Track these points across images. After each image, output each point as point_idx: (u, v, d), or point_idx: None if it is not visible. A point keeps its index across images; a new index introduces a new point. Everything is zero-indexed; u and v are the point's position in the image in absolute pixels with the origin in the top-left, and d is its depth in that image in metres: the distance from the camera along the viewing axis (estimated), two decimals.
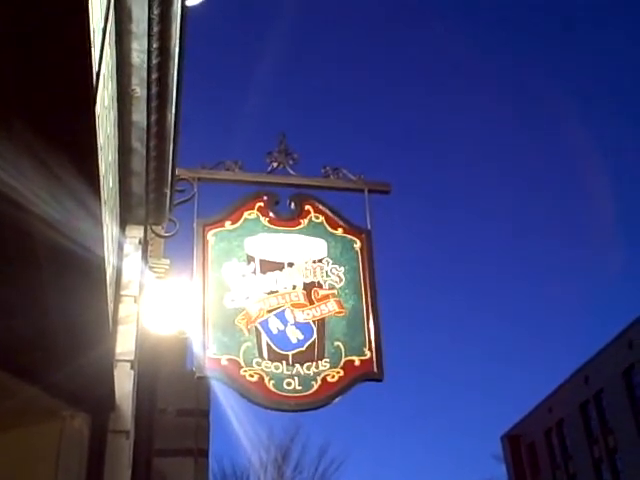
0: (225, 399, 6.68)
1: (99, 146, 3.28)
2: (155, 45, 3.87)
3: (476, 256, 71.43)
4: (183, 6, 3.84)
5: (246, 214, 6.00)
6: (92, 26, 2.83)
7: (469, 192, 72.40)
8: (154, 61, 3.94)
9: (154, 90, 4.12)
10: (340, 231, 6.11)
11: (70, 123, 2.28)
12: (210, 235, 5.81)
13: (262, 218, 6.00)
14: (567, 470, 37.92)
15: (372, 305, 5.77)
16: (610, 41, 74.87)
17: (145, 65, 3.92)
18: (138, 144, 4.37)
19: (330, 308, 5.69)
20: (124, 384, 4.39)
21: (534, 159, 75.98)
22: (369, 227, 6.18)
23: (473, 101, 76.41)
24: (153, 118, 4.29)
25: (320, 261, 5.91)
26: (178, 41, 3.95)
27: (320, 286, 5.79)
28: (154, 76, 4.04)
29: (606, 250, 74.90)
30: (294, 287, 5.73)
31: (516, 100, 76.64)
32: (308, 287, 5.75)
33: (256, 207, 6.04)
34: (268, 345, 5.45)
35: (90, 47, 2.18)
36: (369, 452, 58.21)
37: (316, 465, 32.59)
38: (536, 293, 73.56)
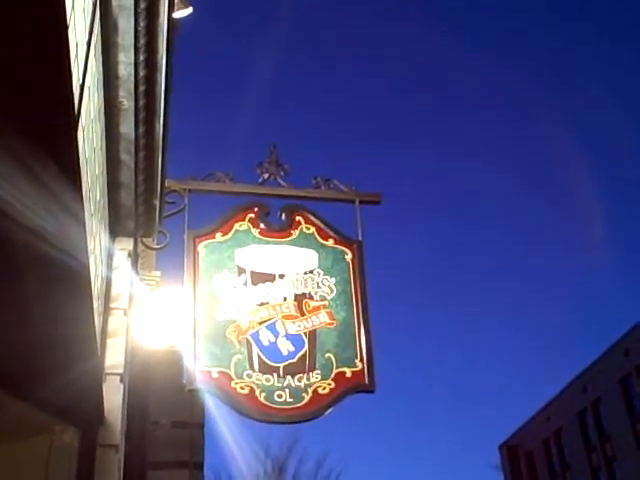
0: (218, 411, 6.65)
1: (85, 159, 3.28)
2: (142, 57, 3.85)
3: (470, 264, 71.49)
4: (170, 19, 3.84)
5: (237, 225, 5.99)
6: (75, 40, 2.83)
7: (463, 200, 72.49)
8: (141, 73, 3.93)
9: (142, 102, 4.10)
10: (331, 242, 6.10)
11: (53, 138, 2.26)
12: (201, 247, 5.80)
13: (253, 229, 6.00)
14: (565, 479, 37.81)
15: (363, 316, 5.76)
16: None
17: (132, 77, 3.91)
18: (126, 156, 4.35)
19: (321, 319, 5.68)
20: (113, 398, 4.36)
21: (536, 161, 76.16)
22: (360, 238, 6.18)
23: (473, 102, 76.62)
24: (141, 130, 4.27)
25: (311, 272, 5.90)
26: (165, 53, 3.95)
27: (311, 297, 5.77)
28: (141, 88, 4.02)
29: (603, 259, 74.98)
30: (285, 299, 5.71)
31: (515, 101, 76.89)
32: (299, 298, 5.74)
33: (247, 218, 6.04)
34: (259, 357, 5.44)
35: (70, 61, 2.16)
36: (367, 461, 58.05)
37: (314, 475, 32.51)
38: (533, 302, 73.58)
